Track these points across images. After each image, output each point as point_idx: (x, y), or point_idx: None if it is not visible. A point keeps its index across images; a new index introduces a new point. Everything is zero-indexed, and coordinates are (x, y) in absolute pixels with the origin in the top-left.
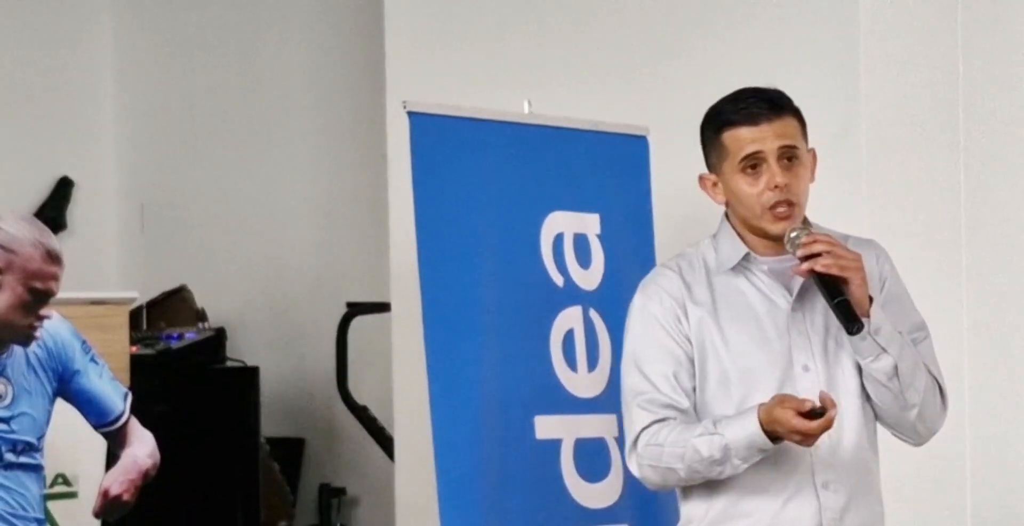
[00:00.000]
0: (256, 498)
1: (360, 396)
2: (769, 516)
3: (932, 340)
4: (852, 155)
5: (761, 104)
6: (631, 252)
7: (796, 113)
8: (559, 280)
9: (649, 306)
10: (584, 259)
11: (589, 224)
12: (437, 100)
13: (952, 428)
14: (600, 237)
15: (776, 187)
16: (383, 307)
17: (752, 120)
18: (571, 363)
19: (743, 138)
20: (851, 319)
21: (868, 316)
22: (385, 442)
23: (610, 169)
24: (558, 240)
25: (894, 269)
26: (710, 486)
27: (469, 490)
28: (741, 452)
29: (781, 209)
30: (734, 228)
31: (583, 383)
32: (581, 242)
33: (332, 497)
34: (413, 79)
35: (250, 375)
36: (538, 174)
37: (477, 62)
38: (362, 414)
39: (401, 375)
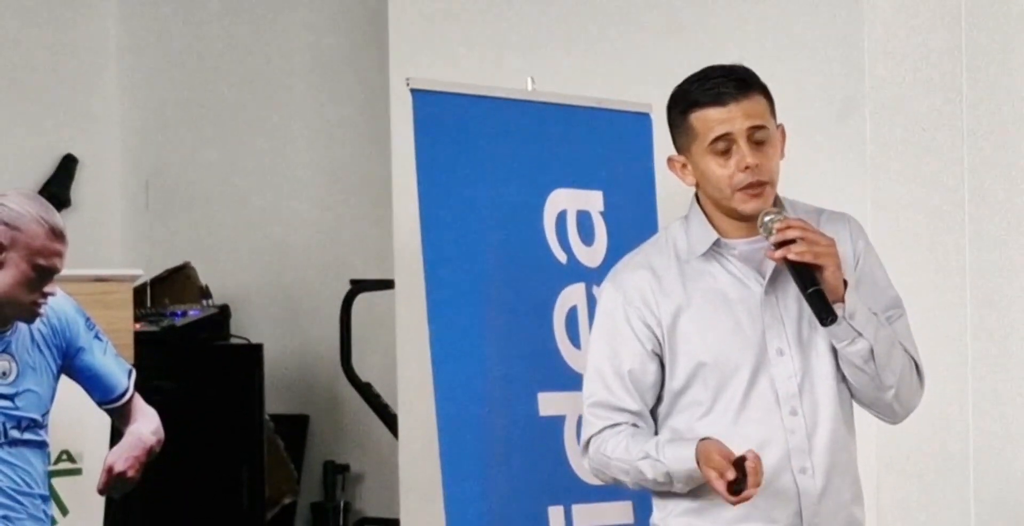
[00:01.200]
0: (261, 475)
1: (364, 373)
2: (749, 502)
3: (907, 316)
4: (856, 131)
5: (728, 83)
6: (634, 229)
7: (764, 90)
8: (562, 257)
9: (615, 302)
10: (587, 236)
11: (592, 201)
12: (441, 77)
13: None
14: (603, 214)
15: (747, 168)
16: (387, 284)
17: (719, 100)
18: (574, 340)
19: (711, 119)
20: (824, 310)
21: (842, 301)
22: (389, 419)
23: (613, 146)
24: (561, 217)
25: (869, 244)
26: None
27: (472, 466)
28: (681, 480)
29: (753, 189)
30: (704, 211)
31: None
32: (584, 219)
33: (336, 473)
34: (416, 56)
35: (254, 352)
36: (541, 151)
37: (480, 39)
38: (366, 391)
39: (405, 352)
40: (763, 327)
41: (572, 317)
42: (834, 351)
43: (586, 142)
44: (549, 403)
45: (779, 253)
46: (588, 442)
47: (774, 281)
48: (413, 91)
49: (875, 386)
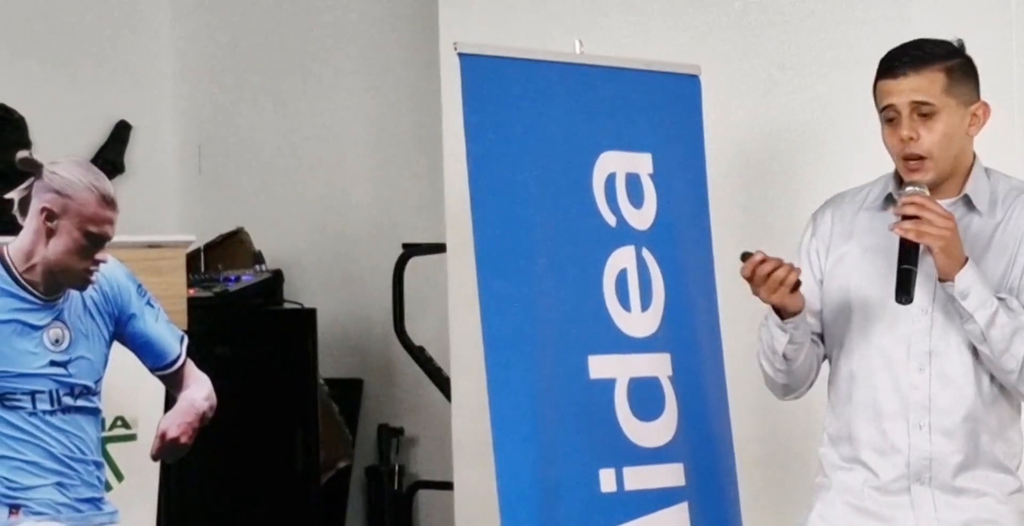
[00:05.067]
0: (315, 439)
1: (417, 337)
2: (864, 444)
3: None
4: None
5: (903, 58)
6: (683, 191)
7: (947, 68)
8: (611, 220)
9: (806, 232)
10: (636, 199)
11: (641, 163)
12: (489, 41)
13: None
14: (652, 176)
15: (903, 140)
16: (439, 248)
17: (891, 74)
18: (624, 302)
19: (882, 91)
20: (900, 290)
21: (952, 280)
22: (442, 382)
23: (662, 108)
24: (610, 180)
25: None
26: (834, 410)
27: (523, 429)
28: (771, 330)
29: (912, 162)
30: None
31: (636, 322)
32: (633, 182)
33: (391, 437)
34: (465, 20)
35: (308, 317)
36: (590, 114)
37: (528, 2)
38: (419, 355)
39: (457, 315)
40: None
41: (622, 280)
42: None
43: (635, 105)
44: (599, 366)
45: (890, 225)
46: None
47: None
48: (461, 55)
49: (995, 368)
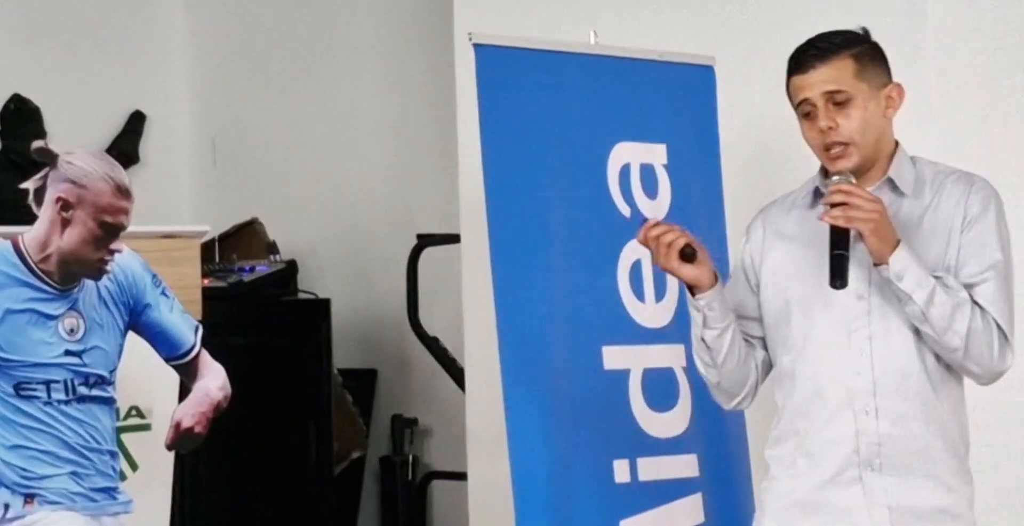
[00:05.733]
0: (329, 429)
1: (431, 327)
2: (811, 436)
3: (1005, 281)
4: (920, 83)
5: (808, 52)
6: (698, 182)
7: (855, 55)
8: (626, 210)
9: (743, 242)
10: (651, 189)
11: (656, 154)
12: (503, 32)
13: None
14: (667, 167)
15: (822, 131)
16: (453, 239)
17: (801, 68)
18: (638, 293)
19: (795, 87)
20: (834, 275)
21: (886, 263)
22: (456, 373)
23: (676, 99)
24: (625, 170)
25: (988, 208)
26: (779, 407)
27: (537, 420)
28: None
29: (834, 150)
30: None
31: (650, 313)
32: (648, 172)
33: (404, 427)
34: (480, 11)
35: (322, 307)
36: (604, 105)
37: None
38: (433, 345)
39: (471, 306)
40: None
41: (636, 271)
42: None
43: (649, 95)
44: (614, 357)
45: (819, 215)
46: None
47: None
48: (476, 46)
49: (940, 346)
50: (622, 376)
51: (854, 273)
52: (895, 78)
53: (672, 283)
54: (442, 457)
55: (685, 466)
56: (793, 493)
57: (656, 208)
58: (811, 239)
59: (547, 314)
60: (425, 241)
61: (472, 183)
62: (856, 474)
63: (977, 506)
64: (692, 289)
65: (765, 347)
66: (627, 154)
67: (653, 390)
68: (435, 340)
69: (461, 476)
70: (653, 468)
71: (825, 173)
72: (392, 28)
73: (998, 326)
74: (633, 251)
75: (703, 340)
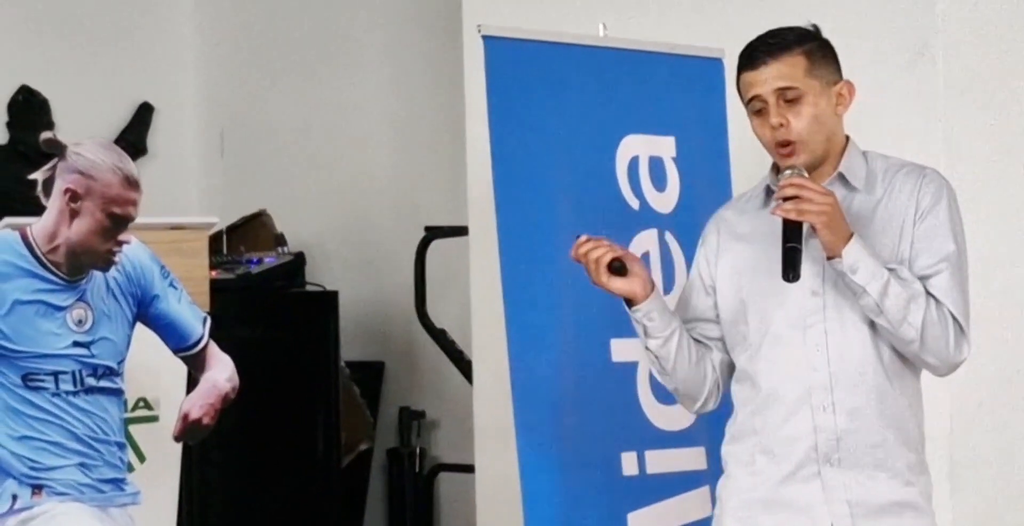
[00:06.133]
0: (336, 421)
1: (438, 319)
2: (770, 433)
3: (959, 271)
4: (927, 76)
5: (761, 47)
6: (707, 175)
7: (806, 51)
8: (634, 203)
9: (699, 244)
10: (660, 182)
11: (664, 147)
12: (513, 23)
13: None
14: (675, 160)
15: (773, 128)
16: (461, 231)
17: (752, 65)
18: None
19: (746, 83)
20: (786, 267)
21: (839, 256)
22: (463, 365)
23: (685, 92)
24: (633, 163)
25: (941, 200)
26: (736, 405)
27: (545, 412)
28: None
29: (784, 148)
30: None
31: None
32: (656, 165)
33: (412, 420)
34: (488, 3)
35: (330, 299)
36: (613, 97)
37: None
38: (440, 338)
39: (479, 299)
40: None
41: (645, 263)
42: None
43: (658, 88)
44: (622, 349)
45: (771, 209)
46: None
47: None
48: (484, 38)
49: (896, 338)
50: (630, 369)
51: (808, 269)
52: (901, 76)
53: (680, 275)
54: (449, 449)
55: (693, 459)
56: (752, 491)
57: (664, 201)
58: (765, 237)
59: (555, 307)
60: (433, 233)
61: (480, 175)
62: (815, 470)
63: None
64: (628, 302)
65: (724, 349)
66: (636, 147)
67: (661, 383)
68: (442, 332)
69: (468, 469)
70: (661, 461)
71: (777, 170)
72: (400, 20)
73: (953, 317)
74: (642, 243)
75: (648, 350)
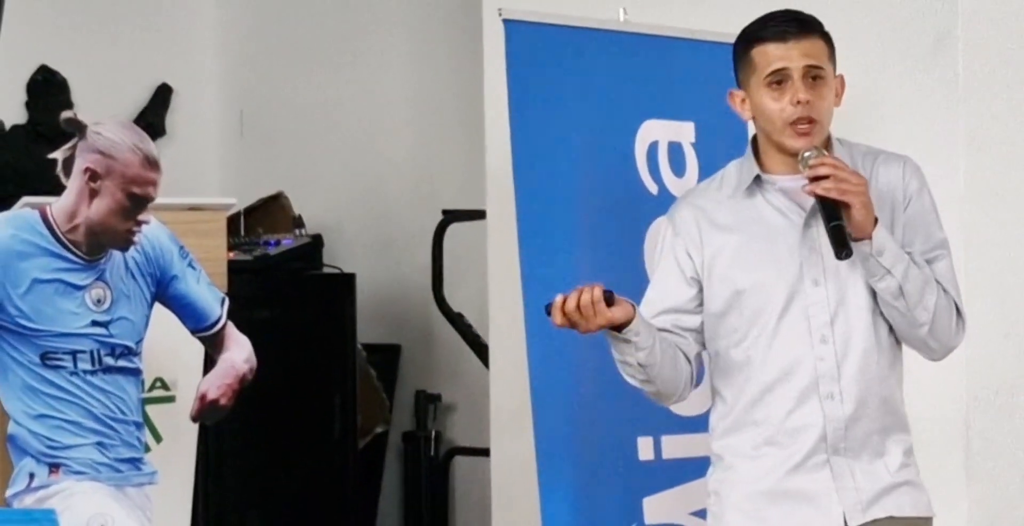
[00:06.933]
0: (353, 404)
1: (456, 303)
2: (774, 424)
3: (951, 258)
4: (948, 66)
5: (791, 23)
6: (725, 160)
7: (825, 37)
8: (653, 188)
9: (666, 236)
10: (678, 167)
11: (684, 132)
12: (533, 8)
13: None
14: (694, 145)
15: (798, 103)
16: (479, 214)
17: (780, 37)
18: None
19: (770, 54)
20: (840, 244)
21: (869, 238)
22: (480, 349)
23: (705, 77)
24: (652, 148)
25: (924, 187)
26: (727, 397)
27: (562, 396)
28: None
29: (802, 126)
30: (756, 148)
31: None
32: (675, 150)
33: (428, 403)
34: None
35: (347, 281)
36: (633, 82)
37: None
38: (457, 321)
39: (496, 282)
40: (800, 258)
41: None
42: (871, 286)
43: (678, 73)
44: None
45: (809, 188)
46: None
47: (814, 215)
48: (505, 21)
49: (907, 322)
50: None
51: (809, 259)
52: (923, 62)
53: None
54: (465, 433)
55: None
56: (758, 482)
57: (683, 186)
58: (752, 229)
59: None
60: (451, 217)
61: (498, 159)
62: (824, 459)
63: None
64: (620, 326)
65: (697, 339)
66: (655, 131)
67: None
68: (459, 316)
69: (484, 452)
70: (677, 446)
71: (757, 160)
72: (421, 2)
73: (955, 303)
74: (659, 228)
75: (638, 365)
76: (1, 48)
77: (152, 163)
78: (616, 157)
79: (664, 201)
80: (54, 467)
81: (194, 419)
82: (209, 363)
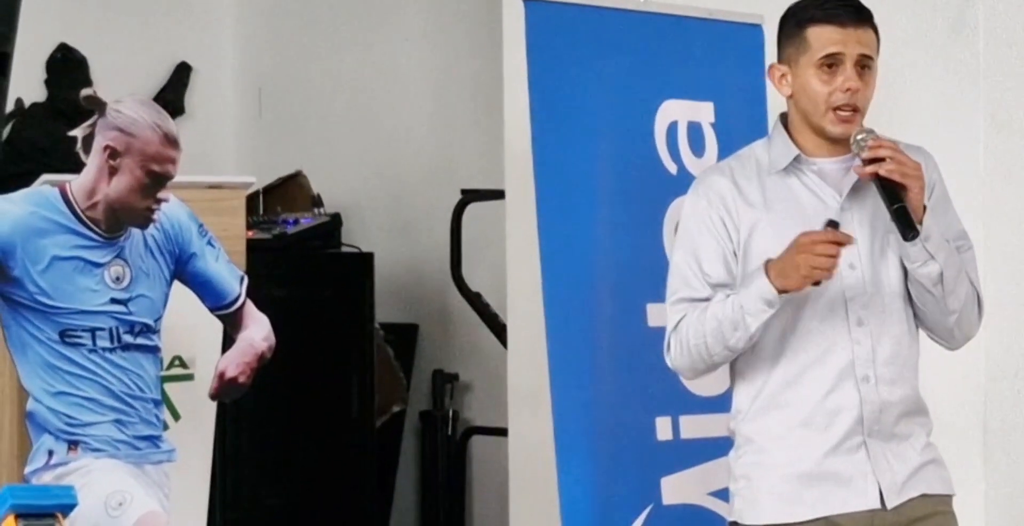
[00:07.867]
0: (370, 383)
1: (474, 283)
2: (809, 407)
3: (974, 251)
4: (968, 48)
5: (850, 10)
6: (744, 140)
7: (875, 29)
8: (673, 168)
9: (698, 206)
10: (698, 147)
11: (703, 112)
12: None
13: None
14: (714, 125)
15: (848, 90)
16: (497, 194)
17: (840, 21)
18: None
19: (828, 37)
20: (908, 226)
21: (920, 223)
22: (498, 329)
23: (724, 58)
24: (672, 128)
25: (941, 178)
26: (756, 379)
27: (581, 377)
28: (750, 305)
29: (845, 113)
30: (787, 129)
31: None
32: (695, 130)
33: (445, 382)
34: None
35: (365, 261)
36: (653, 62)
37: None
38: (475, 301)
39: (514, 262)
40: None
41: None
42: (904, 270)
43: (697, 53)
44: (658, 314)
45: (870, 169)
46: (669, 339)
47: (851, 198)
48: (525, 1)
49: (940, 309)
50: (666, 333)
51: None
52: (943, 48)
53: None
54: (483, 413)
55: (727, 425)
56: (793, 466)
57: (702, 166)
58: (785, 207)
59: (592, 270)
60: (469, 196)
61: (517, 138)
62: (860, 441)
63: None
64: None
65: None
66: (674, 112)
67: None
68: (477, 295)
69: (502, 432)
70: (695, 426)
71: (789, 137)
72: None
73: (977, 293)
74: (679, 208)
75: (755, 328)
76: (20, 26)
77: (172, 141)
78: (636, 137)
79: (683, 181)
80: (73, 444)
81: (212, 397)
82: (228, 341)
